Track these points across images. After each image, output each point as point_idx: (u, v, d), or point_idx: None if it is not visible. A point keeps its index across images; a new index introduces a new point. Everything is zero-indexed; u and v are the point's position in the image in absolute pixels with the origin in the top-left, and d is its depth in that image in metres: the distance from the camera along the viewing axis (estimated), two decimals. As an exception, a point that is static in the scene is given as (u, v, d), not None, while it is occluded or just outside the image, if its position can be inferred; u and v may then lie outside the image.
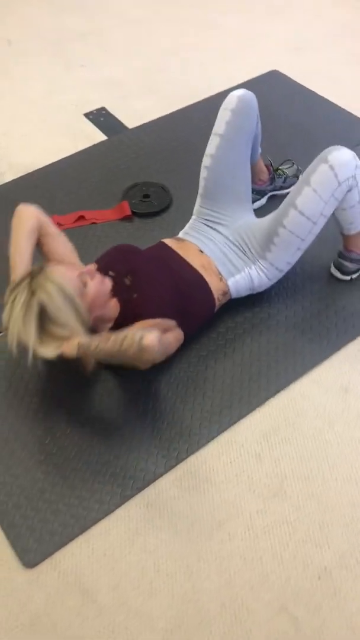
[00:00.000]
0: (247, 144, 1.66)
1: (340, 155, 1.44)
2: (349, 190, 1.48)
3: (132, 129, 2.36)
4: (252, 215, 1.72)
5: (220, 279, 1.59)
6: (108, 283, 1.43)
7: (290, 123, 2.36)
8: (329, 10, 3.09)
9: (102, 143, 2.29)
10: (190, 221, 1.74)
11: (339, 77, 2.65)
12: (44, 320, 1.31)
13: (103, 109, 2.47)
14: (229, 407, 1.51)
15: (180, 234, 1.72)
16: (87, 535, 1.31)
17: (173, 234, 1.90)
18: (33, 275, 1.33)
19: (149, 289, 1.49)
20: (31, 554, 1.28)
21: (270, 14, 3.07)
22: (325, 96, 2.50)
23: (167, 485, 1.39)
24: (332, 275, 1.80)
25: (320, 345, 1.63)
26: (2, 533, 1.31)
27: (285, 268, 1.62)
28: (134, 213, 1.99)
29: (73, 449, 1.43)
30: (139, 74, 2.68)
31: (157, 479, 1.39)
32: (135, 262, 1.54)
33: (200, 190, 1.71)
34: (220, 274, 1.59)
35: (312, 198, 1.47)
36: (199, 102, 2.47)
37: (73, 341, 1.32)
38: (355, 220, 1.60)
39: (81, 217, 1.97)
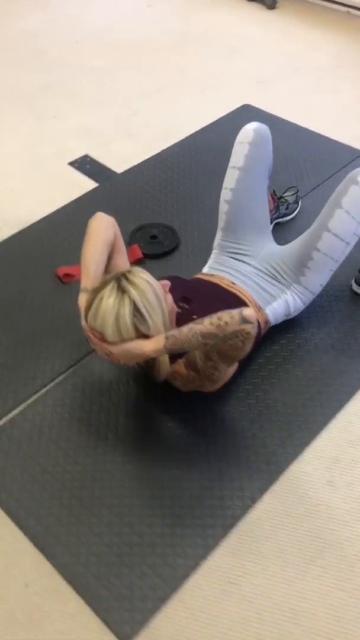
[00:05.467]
0: (264, 175, 1.68)
1: (368, 174, 1.47)
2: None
3: (122, 173, 2.35)
4: (274, 243, 1.72)
5: (259, 309, 1.57)
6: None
7: (274, 152, 2.41)
8: (283, 45, 3.22)
9: (95, 189, 2.26)
10: (213, 256, 1.73)
11: (307, 105, 2.75)
12: (134, 318, 1.26)
13: (87, 156, 2.46)
14: (289, 436, 1.48)
15: (206, 270, 1.70)
16: (179, 594, 1.24)
17: (188, 271, 1.89)
18: (119, 277, 1.28)
19: (206, 312, 1.45)
20: (126, 626, 1.19)
21: (229, 53, 3.17)
22: (299, 124, 2.59)
23: (247, 528, 1.33)
24: (354, 292, 1.82)
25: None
26: (89, 608, 1.22)
27: (318, 290, 1.63)
28: (145, 255, 1.96)
29: (142, 507, 1.36)
30: (114, 119, 2.70)
31: (235, 523, 1.34)
32: (186, 289, 1.52)
33: (221, 224, 1.71)
34: (257, 304, 1.58)
35: (345, 219, 1.49)
36: (180, 142, 2.50)
37: (158, 337, 1.27)
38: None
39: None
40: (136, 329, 1.27)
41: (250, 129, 1.64)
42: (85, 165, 2.41)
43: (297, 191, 2.08)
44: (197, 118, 2.64)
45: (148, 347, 1.28)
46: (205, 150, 2.44)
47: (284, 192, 2.05)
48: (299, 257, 1.57)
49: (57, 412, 1.54)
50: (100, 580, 1.25)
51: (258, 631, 1.19)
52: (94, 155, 2.47)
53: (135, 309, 1.26)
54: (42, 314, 1.80)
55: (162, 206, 2.17)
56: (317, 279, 1.59)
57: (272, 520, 1.34)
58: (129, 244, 2.00)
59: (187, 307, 1.47)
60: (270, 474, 1.41)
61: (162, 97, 2.84)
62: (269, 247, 1.68)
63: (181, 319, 1.43)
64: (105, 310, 1.26)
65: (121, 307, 1.25)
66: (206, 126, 2.59)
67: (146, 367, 1.45)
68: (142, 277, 1.29)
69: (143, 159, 2.41)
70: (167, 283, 1.38)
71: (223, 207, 1.69)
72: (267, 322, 1.59)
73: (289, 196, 2.04)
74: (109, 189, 2.26)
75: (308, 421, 1.51)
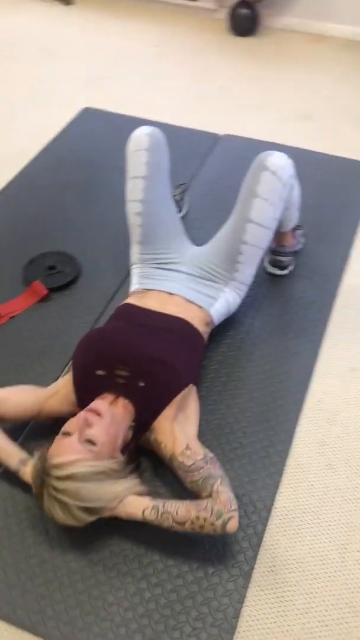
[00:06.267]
0: (167, 178, 1.61)
1: (277, 159, 1.46)
2: (291, 189, 1.53)
3: (-16, 206, 2.12)
4: (193, 246, 1.67)
5: (200, 307, 1.51)
6: (104, 408, 1.26)
7: (116, 145, 2.32)
8: (99, 41, 3.12)
9: None
10: (137, 271, 1.62)
11: (145, 98, 2.70)
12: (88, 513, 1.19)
13: None
14: (272, 435, 1.46)
15: (136, 286, 1.59)
16: (239, 634, 1.17)
17: (100, 296, 1.77)
18: (42, 479, 1.19)
19: (150, 366, 1.34)
20: None
21: (46, 55, 2.99)
22: (148, 118, 2.53)
23: (274, 540, 1.29)
24: (269, 273, 1.84)
25: (311, 334, 1.67)
26: None
27: (251, 281, 1.61)
28: (50, 290, 1.79)
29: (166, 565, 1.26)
30: None
31: (261, 540, 1.28)
32: (118, 347, 1.37)
33: (137, 238, 1.61)
34: (199, 305, 1.52)
35: (265, 207, 1.48)
36: (33, 162, 2.31)
37: (133, 509, 1.20)
38: (292, 218, 1.67)
39: (-4, 317, 1.72)
40: (97, 513, 1.20)
41: (142, 135, 1.55)
42: None
43: (186, 188, 2.03)
44: (40, 131, 2.47)
45: (123, 514, 1.21)
46: (65, 164, 2.29)
47: (176, 189, 1.99)
48: (228, 253, 1.54)
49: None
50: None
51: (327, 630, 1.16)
52: None
53: (84, 509, 1.18)
54: None
55: (45, 233, 2.00)
56: (250, 271, 1.57)
57: (293, 522, 1.32)
58: (26, 281, 1.82)
59: (128, 373, 1.33)
60: (272, 478, 1.38)
61: (-8, 115, 2.61)
62: (192, 250, 1.62)
63: (127, 394, 1.32)
64: (61, 519, 1.19)
65: (72, 512, 1.17)
66: (55, 137, 2.42)
67: None
68: (60, 476, 1.16)
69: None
70: (80, 417, 1.24)
71: (135, 220, 1.59)
72: (209, 323, 1.54)
73: (177, 194, 1.99)
74: (-22, 226, 2.03)
75: (284, 412, 1.50)
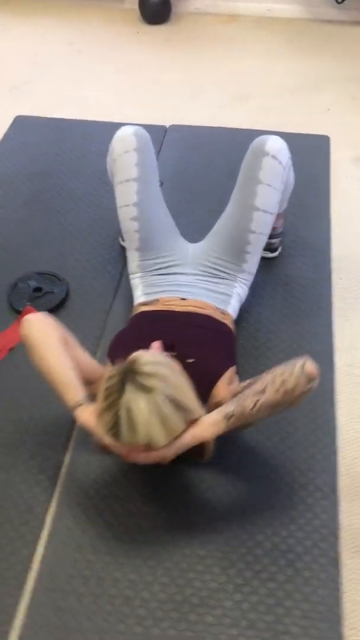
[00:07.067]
0: (157, 177, 1.54)
1: (274, 143, 1.44)
2: (289, 171, 1.51)
3: None
4: (189, 243, 1.61)
5: (223, 313, 1.47)
6: None
7: (63, 150, 2.25)
8: (10, 43, 2.95)
9: None
10: (139, 281, 1.54)
11: (74, 97, 2.60)
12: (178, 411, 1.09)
13: None
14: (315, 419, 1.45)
15: (142, 298, 1.52)
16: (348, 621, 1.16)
17: (98, 313, 1.69)
18: (126, 376, 1.07)
19: (195, 346, 1.32)
20: None
21: None
22: (86, 119, 2.43)
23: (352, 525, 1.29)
24: (262, 258, 1.83)
25: (321, 310, 1.68)
26: None
27: (256, 269, 1.58)
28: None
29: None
30: None
31: (336, 521, 1.28)
32: (158, 336, 1.32)
33: (135, 245, 1.53)
34: (220, 309, 1.48)
35: (269, 193, 1.45)
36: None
37: (212, 419, 1.13)
38: (286, 200, 1.65)
39: (-7, 352, 1.59)
40: (184, 421, 1.11)
41: (128, 135, 1.48)
42: None
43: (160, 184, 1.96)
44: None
45: (207, 434, 1.14)
46: (14, 178, 2.14)
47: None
48: (235, 245, 1.50)
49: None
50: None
51: None
52: None
53: (173, 402, 1.08)
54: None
55: (17, 254, 1.86)
56: (256, 259, 1.54)
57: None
58: (12, 308, 1.69)
59: (175, 353, 1.28)
60: (328, 460, 1.38)
61: None
62: (192, 249, 1.57)
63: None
64: (143, 419, 1.05)
65: (159, 408, 1.06)
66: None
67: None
68: (149, 361, 1.09)
69: None
70: (158, 345, 1.22)
71: (131, 226, 1.51)
72: (232, 322, 1.51)
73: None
74: None
75: (320, 391, 1.49)
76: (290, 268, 1.81)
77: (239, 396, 1.16)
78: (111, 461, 1.35)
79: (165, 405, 1.06)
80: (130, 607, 1.16)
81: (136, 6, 3.07)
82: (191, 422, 1.13)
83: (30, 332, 1.22)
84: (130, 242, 1.54)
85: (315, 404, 1.46)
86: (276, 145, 1.45)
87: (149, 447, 1.09)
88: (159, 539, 1.25)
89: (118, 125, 2.26)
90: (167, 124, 2.38)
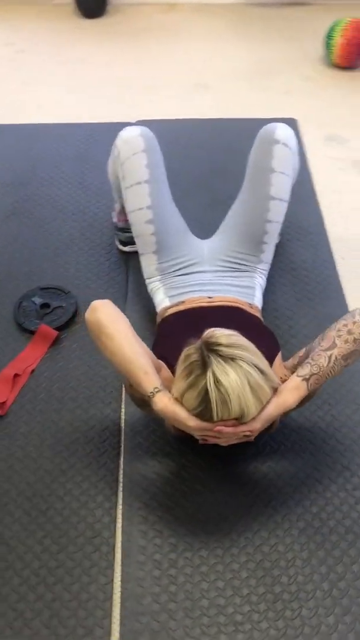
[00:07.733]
0: (165, 176, 1.50)
1: (283, 130, 1.44)
2: (297, 157, 1.51)
3: None
4: (202, 240, 1.58)
5: (251, 306, 1.46)
6: None
7: (33, 157, 2.16)
8: None
9: None
10: (159, 285, 1.50)
11: (27, 100, 2.49)
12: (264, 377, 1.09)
13: None
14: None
15: (167, 303, 1.47)
16: None
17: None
18: (206, 352, 1.05)
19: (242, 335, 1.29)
20: None
21: None
22: (48, 122, 2.34)
23: None
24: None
25: (332, 292, 1.70)
26: None
27: (272, 258, 1.58)
28: (57, 329, 1.60)
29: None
30: None
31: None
32: (203, 330, 1.25)
33: (152, 248, 1.49)
34: (248, 303, 1.46)
35: (283, 181, 1.45)
36: None
37: (291, 384, 1.13)
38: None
39: (16, 377, 1.50)
40: (270, 387, 1.10)
41: (135, 137, 1.43)
42: None
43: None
44: None
45: (291, 399, 1.13)
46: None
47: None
48: (253, 236, 1.49)
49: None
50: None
51: None
52: None
53: (258, 369, 1.08)
54: None
55: (16, 271, 1.77)
56: (272, 248, 1.54)
57: None
58: (22, 328, 1.61)
59: None
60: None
61: None
62: (207, 245, 1.55)
63: None
64: (235, 390, 1.04)
65: (247, 375, 1.05)
66: None
67: None
68: (226, 334, 1.08)
69: None
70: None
71: (147, 229, 1.47)
72: (260, 311, 1.50)
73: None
74: None
75: (348, 374, 1.52)
76: (291, 253, 1.82)
77: (308, 359, 1.17)
78: (163, 468, 1.33)
79: (253, 373, 1.06)
80: (225, 615, 1.15)
81: (68, 0, 2.97)
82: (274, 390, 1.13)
83: (100, 318, 1.18)
84: (146, 246, 1.50)
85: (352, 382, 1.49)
86: (285, 133, 1.45)
87: (240, 419, 1.08)
88: (235, 543, 1.24)
89: (83, 127, 2.21)
90: (133, 119, 2.32)
